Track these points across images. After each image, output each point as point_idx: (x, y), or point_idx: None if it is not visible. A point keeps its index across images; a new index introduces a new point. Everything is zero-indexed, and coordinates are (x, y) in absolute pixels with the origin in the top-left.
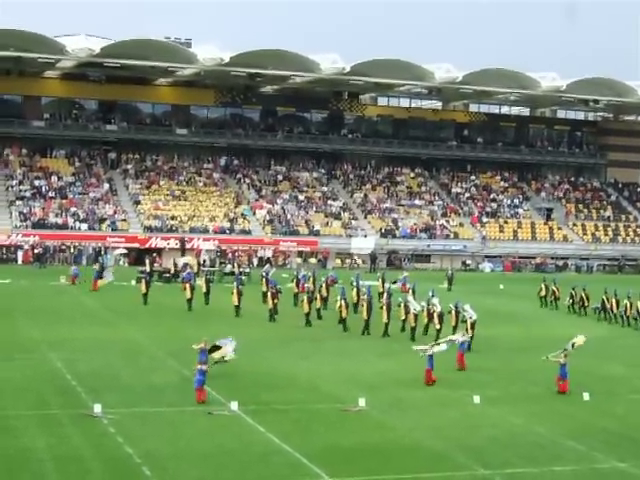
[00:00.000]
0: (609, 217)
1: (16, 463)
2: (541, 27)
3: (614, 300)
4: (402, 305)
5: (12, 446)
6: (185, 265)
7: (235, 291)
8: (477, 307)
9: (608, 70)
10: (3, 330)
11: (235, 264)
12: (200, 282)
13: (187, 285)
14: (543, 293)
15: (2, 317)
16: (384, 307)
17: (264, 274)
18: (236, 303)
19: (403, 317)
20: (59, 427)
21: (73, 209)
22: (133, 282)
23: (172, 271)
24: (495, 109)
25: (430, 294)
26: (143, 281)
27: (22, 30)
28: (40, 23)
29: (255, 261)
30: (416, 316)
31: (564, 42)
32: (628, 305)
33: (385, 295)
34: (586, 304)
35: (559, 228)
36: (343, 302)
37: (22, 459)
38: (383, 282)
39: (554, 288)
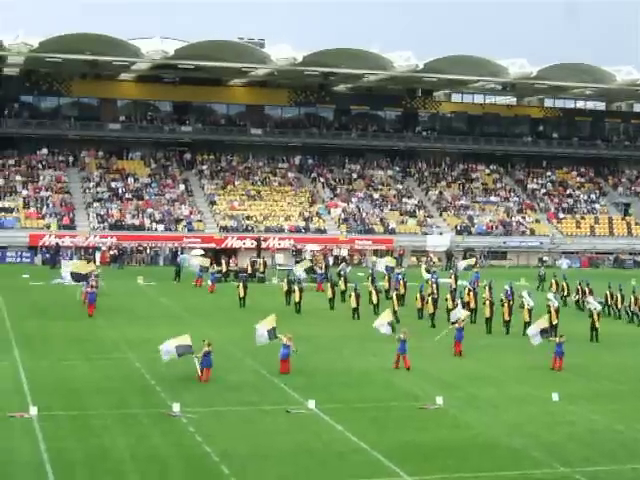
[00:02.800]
0: None
1: (97, 462)
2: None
3: (619, 295)
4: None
5: (93, 445)
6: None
7: (297, 289)
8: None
9: None
10: (83, 330)
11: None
12: (282, 283)
13: (240, 284)
14: (554, 289)
15: (81, 318)
16: (458, 302)
17: (341, 273)
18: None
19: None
20: (139, 426)
21: (149, 210)
22: (209, 282)
23: (249, 271)
24: (570, 104)
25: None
26: (241, 283)
27: (97, 34)
28: (115, 26)
29: (330, 260)
30: (530, 311)
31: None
32: (632, 300)
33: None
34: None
35: (637, 223)
36: (419, 296)
37: (103, 458)
38: (456, 279)
39: (564, 284)
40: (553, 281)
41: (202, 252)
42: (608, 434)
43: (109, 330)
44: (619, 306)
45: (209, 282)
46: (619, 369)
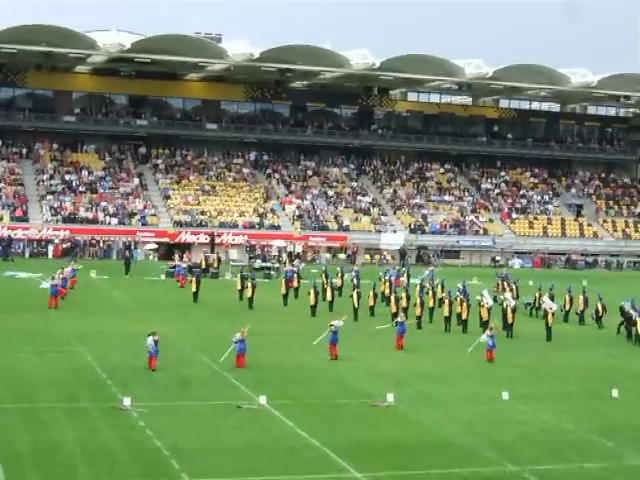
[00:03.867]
0: (639, 214)
1: (46, 455)
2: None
3: (567, 297)
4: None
5: (42, 438)
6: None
7: (249, 285)
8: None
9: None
10: (34, 323)
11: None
12: (235, 279)
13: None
14: (499, 290)
15: (33, 311)
16: (418, 301)
17: (296, 269)
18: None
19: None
20: (89, 420)
21: (103, 204)
22: (162, 276)
23: (203, 266)
24: (525, 105)
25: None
26: (194, 278)
27: (53, 25)
28: (71, 19)
29: (284, 256)
30: (489, 310)
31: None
32: (582, 301)
33: (418, 289)
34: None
35: (589, 225)
36: (372, 294)
37: (52, 451)
38: (408, 277)
39: (507, 285)
40: (498, 282)
41: (155, 246)
42: (558, 434)
43: (61, 323)
44: (568, 308)
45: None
46: (569, 369)
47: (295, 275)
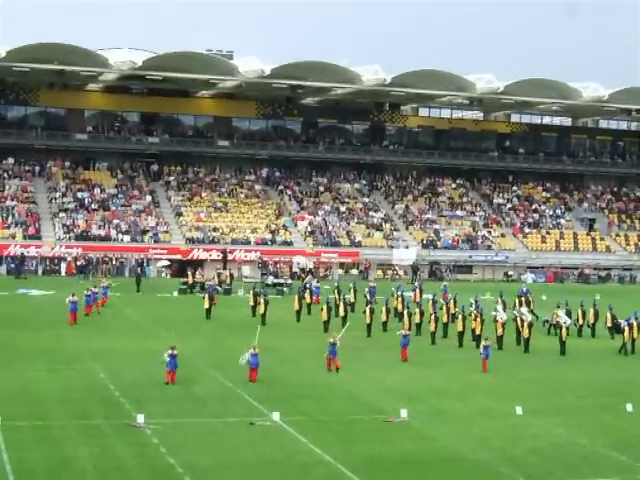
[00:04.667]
0: None
1: (59, 472)
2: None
3: (580, 311)
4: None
5: (55, 456)
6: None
7: (262, 301)
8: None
9: None
10: (47, 341)
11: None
12: (248, 296)
13: (206, 296)
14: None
15: (46, 328)
16: (432, 316)
17: (308, 285)
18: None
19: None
20: (102, 437)
21: (116, 221)
22: (175, 293)
23: (215, 283)
24: (537, 119)
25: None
26: (207, 295)
27: (66, 43)
28: (83, 37)
29: (297, 272)
30: (503, 325)
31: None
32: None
33: (431, 304)
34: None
35: (602, 239)
36: (385, 309)
37: (65, 469)
38: (421, 292)
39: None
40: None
41: (168, 263)
42: (571, 448)
43: (74, 341)
44: (581, 322)
45: None
46: (583, 383)
47: (308, 291)
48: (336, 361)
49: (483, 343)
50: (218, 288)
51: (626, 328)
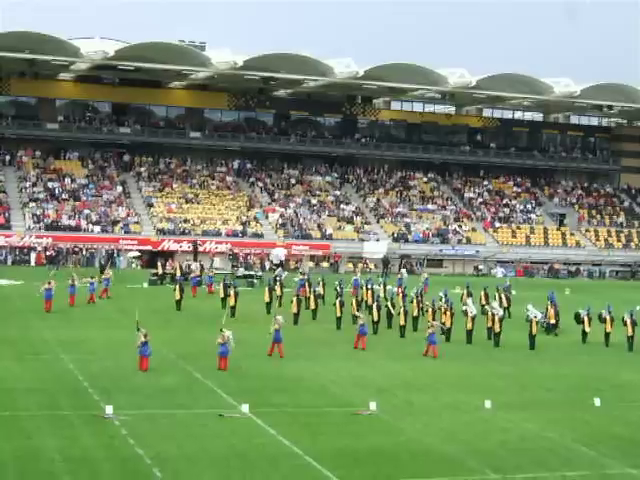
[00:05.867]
0: (622, 223)
1: (27, 463)
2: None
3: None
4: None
5: (23, 446)
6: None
7: (232, 293)
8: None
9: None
10: (15, 331)
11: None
12: (218, 287)
13: (177, 287)
14: (484, 302)
15: (15, 318)
16: (401, 310)
17: (277, 278)
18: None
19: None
20: (70, 428)
21: (86, 211)
22: (145, 284)
23: (179, 273)
24: (508, 114)
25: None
26: (177, 286)
27: (37, 32)
28: (55, 26)
29: (267, 265)
30: (473, 319)
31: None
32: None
33: (401, 297)
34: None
35: (572, 234)
36: (355, 302)
37: (33, 459)
38: (385, 286)
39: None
40: (482, 293)
41: (138, 254)
42: (540, 442)
43: (43, 331)
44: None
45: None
46: (552, 378)
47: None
48: (280, 347)
49: (428, 330)
50: (195, 279)
51: (585, 319)
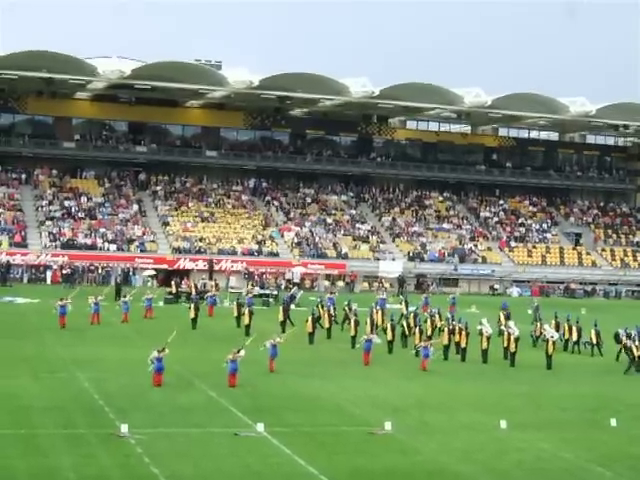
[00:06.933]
0: (638, 243)
1: None
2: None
3: (566, 326)
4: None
5: (39, 465)
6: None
7: (246, 312)
8: None
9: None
10: (32, 348)
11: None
12: (232, 305)
13: (192, 305)
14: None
15: (30, 336)
16: (416, 330)
17: (292, 297)
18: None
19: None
20: (86, 446)
21: (102, 230)
22: (161, 303)
23: (193, 292)
24: (524, 133)
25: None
26: (193, 305)
27: (54, 52)
28: (72, 45)
29: (283, 283)
30: (489, 338)
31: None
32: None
33: (412, 317)
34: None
35: (588, 253)
36: (368, 321)
37: (48, 478)
38: (407, 305)
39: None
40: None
41: (153, 272)
42: (555, 462)
43: (58, 349)
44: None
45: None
46: (569, 398)
47: (293, 303)
48: (272, 363)
49: (423, 344)
50: (211, 298)
51: (623, 338)
